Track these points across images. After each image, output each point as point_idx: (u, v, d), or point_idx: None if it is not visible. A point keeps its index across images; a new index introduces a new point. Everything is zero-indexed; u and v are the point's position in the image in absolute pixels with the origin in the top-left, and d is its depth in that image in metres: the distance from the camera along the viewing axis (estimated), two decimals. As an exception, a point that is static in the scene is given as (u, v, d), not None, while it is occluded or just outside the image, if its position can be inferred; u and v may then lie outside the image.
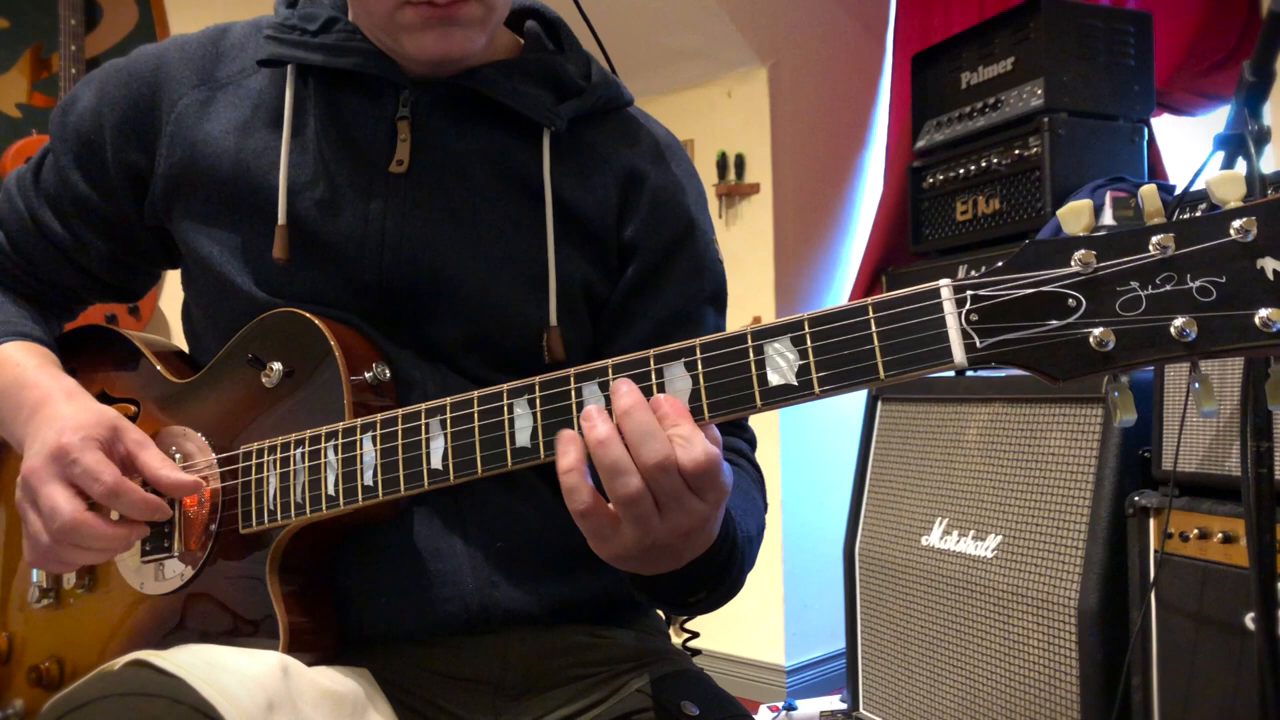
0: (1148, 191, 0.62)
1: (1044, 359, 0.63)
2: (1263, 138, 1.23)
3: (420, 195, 0.93)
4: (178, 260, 1.03)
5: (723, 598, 0.87)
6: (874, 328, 0.66)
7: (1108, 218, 1.73)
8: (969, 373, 2.19)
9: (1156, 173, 2.36)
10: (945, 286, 0.65)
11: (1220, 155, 1.25)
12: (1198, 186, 1.27)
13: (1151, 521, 1.65)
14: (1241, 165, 1.24)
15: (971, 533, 1.99)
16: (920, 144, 2.47)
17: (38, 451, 0.84)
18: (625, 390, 0.71)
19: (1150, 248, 0.60)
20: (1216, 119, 2.49)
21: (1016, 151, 2.16)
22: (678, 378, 0.72)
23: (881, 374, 0.66)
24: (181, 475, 0.87)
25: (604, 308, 0.99)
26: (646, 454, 0.69)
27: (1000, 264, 0.65)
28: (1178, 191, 1.43)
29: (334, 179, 0.92)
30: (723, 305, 1.04)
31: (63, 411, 0.87)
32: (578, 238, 0.96)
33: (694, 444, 0.69)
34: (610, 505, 0.71)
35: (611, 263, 0.98)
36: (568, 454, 0.71)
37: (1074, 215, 0.63)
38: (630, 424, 0.70)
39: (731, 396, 0.70)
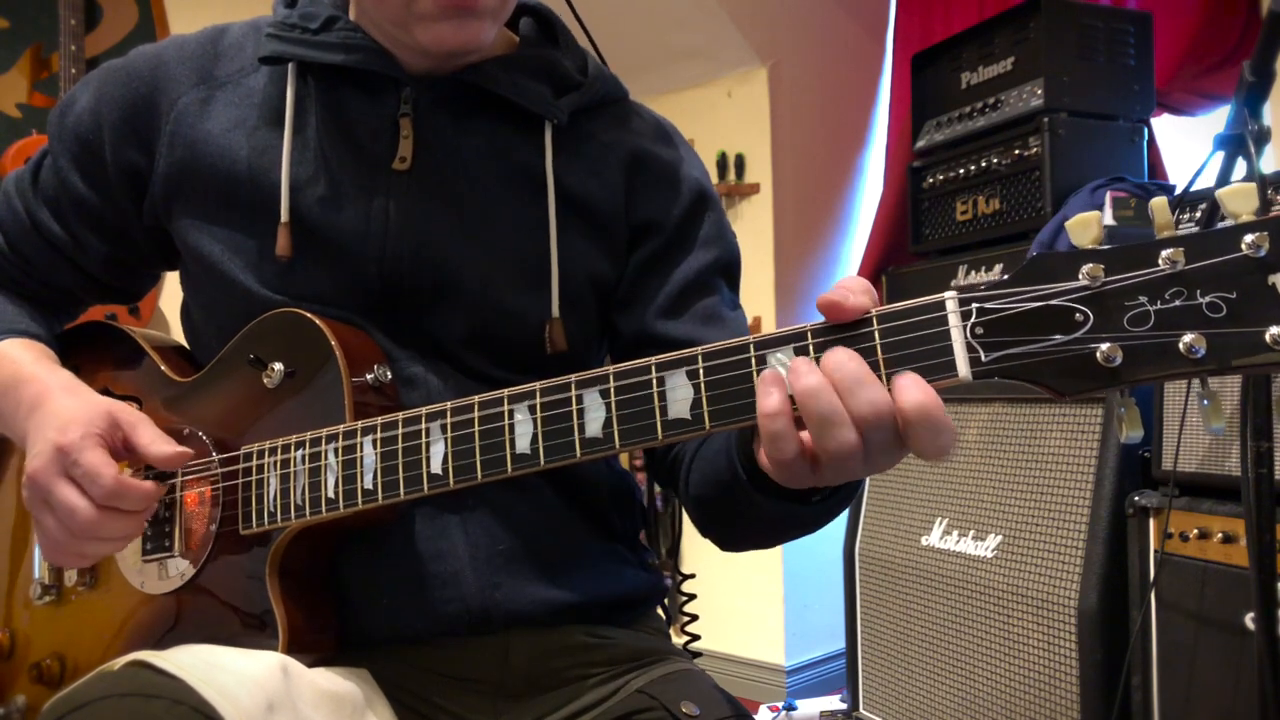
0: (1158, 204, 0.60)
1: (1050, 374, 0.62)
2: (1263, 138, 1.23)
3: (423, 192, 0.93)
4: (176, 262, 1.03)
5: (843, 501, 0.81)
6: (878, 339, 0.65)
7: (1108, 218, 1.73)
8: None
9: (1156, 173, 2.36)
10: (950, 299, 0.64)
11: (1220, 155, 1.25)
12: (1201, 188, 1.27)
13: (1151, 521, 1.65)
14: (1242, 165, 1.24)
15: (971, 533, 1.99)
16: (920, 144, 2.47)
17: (41, 452, 0.84)
18: (838, 348, 0.65)
19: (1160, 262, 0.59)
20: (1216, 119, 2.49)
21: (1016, 151, 2.16)
22: (679, 386, 0.71)
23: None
24: (170, 448, 0.86)
25: (616, 290, 1.00)
26: (859, 403, 0.63)
27: (1007, 276, 0.63)
28: (1178, 192, 1.43)
29: (336, 176, 0.92)
30: (736, 280, 1.04)
31: (62, 406, 0.87)
32: (584, 228, 0.97)
33: (913, 387, 0.62)
34: (813, 453, 0.66)
35: (621, 250, 0.99)
36: (771, 396, 0.65)
37: (1082, 228, 0.62)
38: (842, 374, 0.63)
39: (733, 405, 0.69)
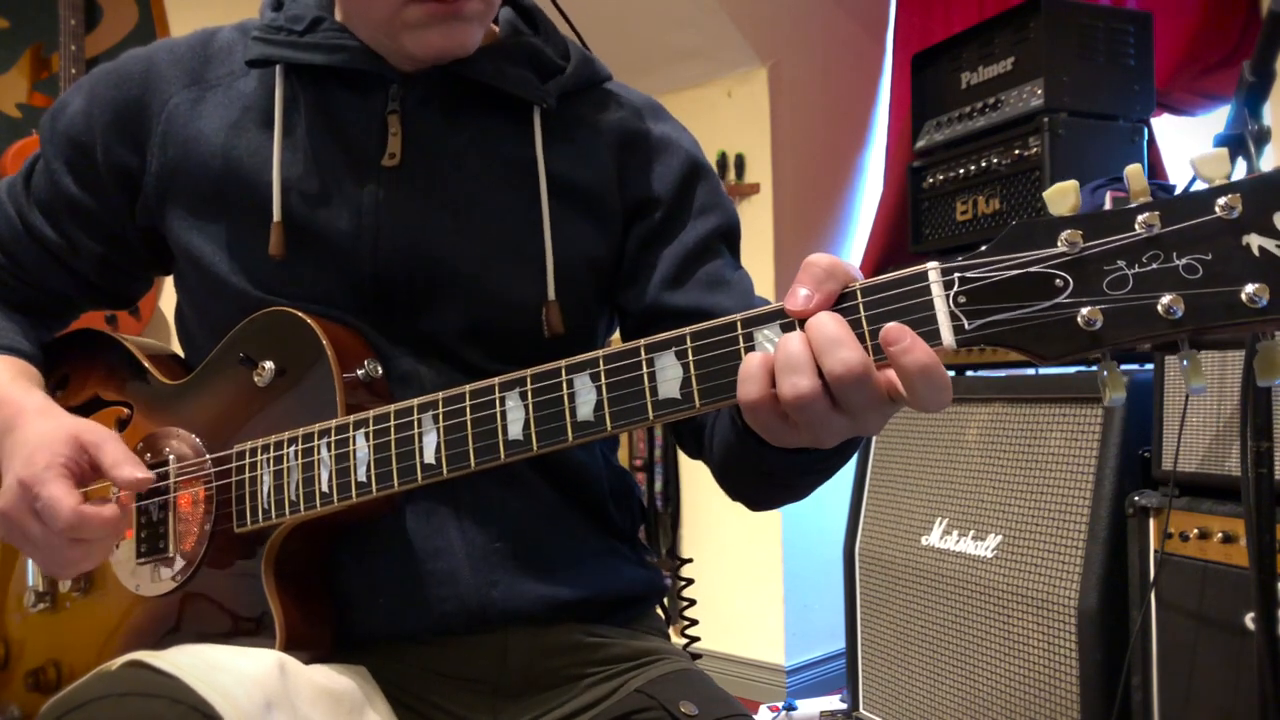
0: (1132, 171, 0.61)
1: (1032, 339, 0.63)
2: (1263, 138, 1.23)
3: (414, 187, 0.93)
4: (170, 266, 1.03)
5: (851, 446, 0.81)
6: (862, 312, 0.66)
7: (1108, 217, 1.73)
8: (969, 372, 2.19)
9: (1156, 173, 2.36)
10: (933, 269, 0.65)
11: (1220, 155, 1.25)
12: (1198, 186, 1.27)
13: (1151, 521, 1.65)
14: (1242, 165, 1.24)
15: (971, 533, 1.99)
16: (920, 144, 2.47)
17: (8, 487, 0.85)
18: (823, 312, 0.66)
19: (1136, 226, 0.60)
20: (1216, 119, 2.49)
21: (1016, 151, 2.16)
22: (669, 366, 0.71)
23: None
24: (132, 473, 0.85)
25: (615, 274, 1.00)
26: (832, 362, 0.64)
27: (987, 245, 0.64)
28: (1177, 191, 1.43)
29: (327, 175, 0.93)
30: (736, 244, 1.04)
31: (31, 433, 0.87)
32: (577, 213, 0.97)
33: (914, 348, 0.63)
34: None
35: (616, 230, 1.00)
36: (753, 361, 0.67)
37: (1060, 196, 0.63)
38: (816, 332, 0.65)
39: (723, 383, 0.70)
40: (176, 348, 1.07)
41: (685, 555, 3.14)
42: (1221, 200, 0.58)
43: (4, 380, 0.94)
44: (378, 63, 0.93)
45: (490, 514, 0.91)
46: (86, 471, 0.86)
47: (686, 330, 0.71)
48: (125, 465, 0.85)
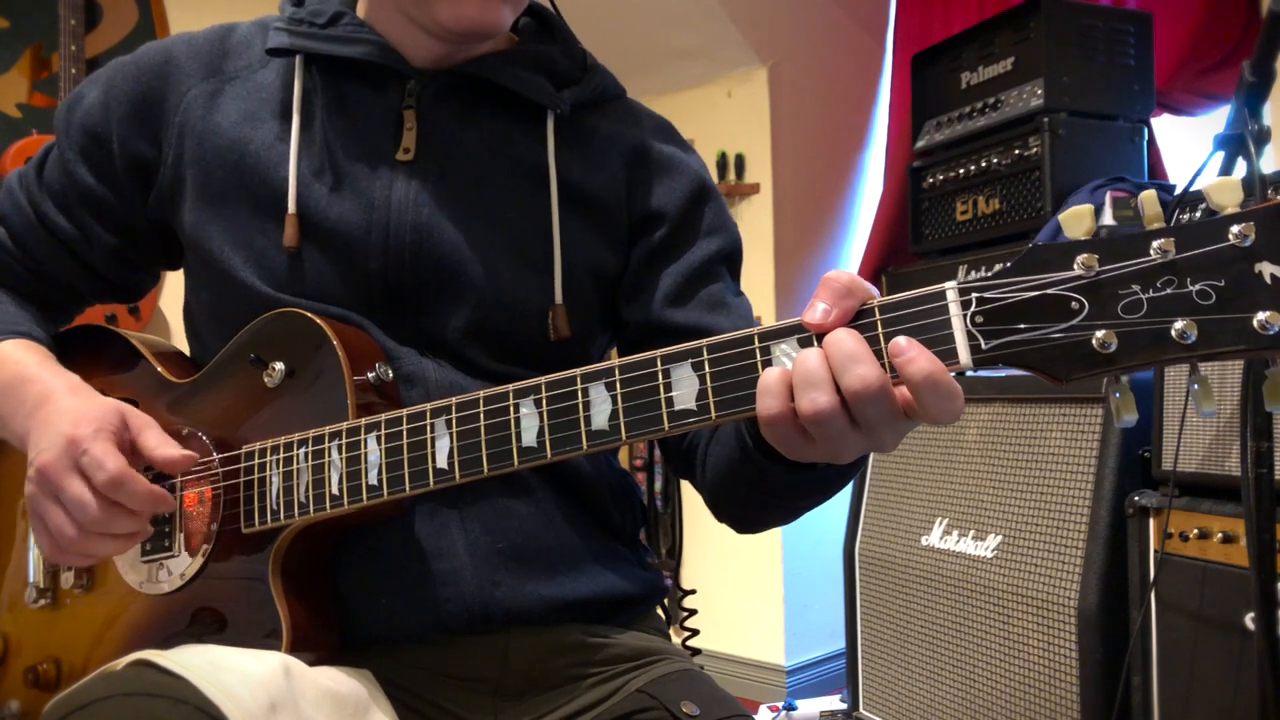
0: (1148, 197, 0.62)
1: (1047, 360, 0.63)
2: (1263, 138, 1.23)
3: (426, 183, 0.94)
4: (178, 261, 1.04)
5: (854, 465, 0.81)
6: (880, 329, 0.67)
7: (1108, 218, 1.73)
8: (970, 373, 2.19)
9: (1156, 173, 2.36)
10: (951, 289, 0.66)
11: (1220, 155, 1.25)
12: (1196, 188, 1.27)
13: (1151, 521, 1.65)
14: (1241, 165, 1.24)
15: (971, 533, 1.99)
16: (920, 144, 2.47)
17: (51, 444, 0.83)
18: (840, 329, 0.67)
19: (1151, 252, 0.61)
20: (1216, 119, 2.49)
21: (1016, 151, 2.16)
22: (684, 378, 0.72)
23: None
24: (175, 452, 0.85)
25: (619, 283, 1.01)
26: (850, 378, 0.65)
27: (1005, 266, 0.65)
28: (1177, 192, 1.43)
29: (341, 168, 0.94)
30: (738, 268, 1.05)
31: (70, 405, 0.86)
32: (585, 219, 0.98)
33: (920, 357, 0.64)
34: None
35: (622, 241, 1.00)
36: (771, 374, 0.68)
37: (1076, 220, 0.64)
38: (834, 349, 0.65)
39: (739, 396, 0.70)
40: (179, 346, 1.07)
41: (686, 555, 3.14)
42: (1235, 228, 0.59)
43: (32, 361, 0.94)
44: (396, 58, 0.95)
45: (493, 515, 0.91)
46: (126, 450, 0.85)
47: (703, 342, 0.72)
48: (166, 446, 0.86)
